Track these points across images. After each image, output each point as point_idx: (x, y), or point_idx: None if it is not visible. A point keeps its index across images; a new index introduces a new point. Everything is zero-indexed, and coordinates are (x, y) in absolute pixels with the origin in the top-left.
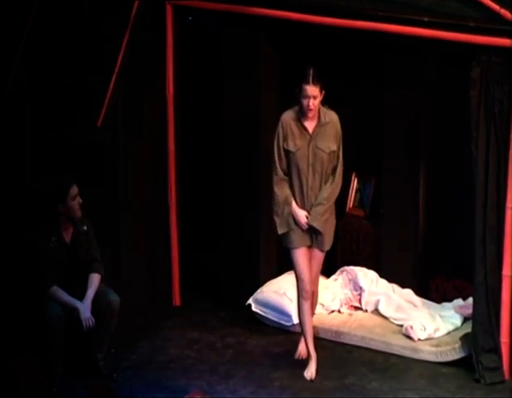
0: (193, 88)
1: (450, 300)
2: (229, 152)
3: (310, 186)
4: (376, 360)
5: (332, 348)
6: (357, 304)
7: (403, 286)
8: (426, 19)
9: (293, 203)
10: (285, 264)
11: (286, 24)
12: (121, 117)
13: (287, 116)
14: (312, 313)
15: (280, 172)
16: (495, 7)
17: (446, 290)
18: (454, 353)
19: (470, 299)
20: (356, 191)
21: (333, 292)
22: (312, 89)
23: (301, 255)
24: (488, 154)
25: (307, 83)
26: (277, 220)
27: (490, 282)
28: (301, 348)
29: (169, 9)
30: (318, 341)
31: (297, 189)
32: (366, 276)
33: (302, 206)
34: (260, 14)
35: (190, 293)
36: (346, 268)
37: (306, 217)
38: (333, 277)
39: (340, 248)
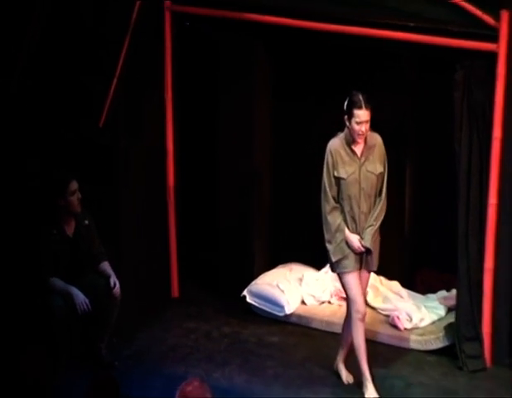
0: (191, 91)
1: (434, 292)
2: (224, 152)
3: (361, 210)
4: None
5: (323, 337)
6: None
7: (389, 278)
8: (411, 24)
9: (346, 230)
10: (277, 258)
11: (278, 29)
12: (122, 118)
13: (335, 144)
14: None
15: (332, 201)
16: (478, 12)
17: (431, 283)
18: (438, 342)
19: (454, 291)
20: None
21: (324, 284)
22: (366, 114)
23: (354, 279)
24: (471, 153)
25: (360, 108)
26: (330, 247)
27: (473, 275)
28: (346, 375)
29: (167, 15)
30: (309, 330)
31: (348, 214)
32: None
33: (354, 231)
34: (253, 20)
35: (187, 285)
36: None
37: (359, 241)
38: (323, 270)
39: None
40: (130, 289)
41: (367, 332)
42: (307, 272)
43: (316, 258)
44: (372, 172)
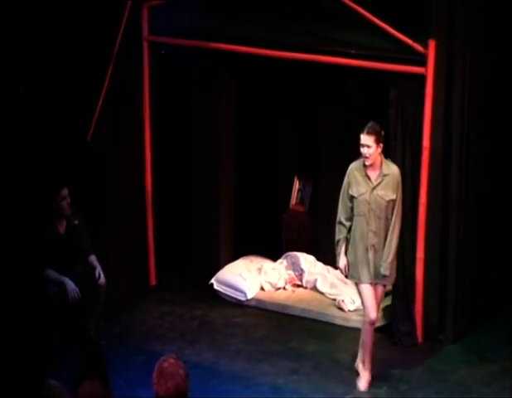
0: (166, 108)
1: None
2: (195, 161)
3: (370, 228)
4: (314, 327)
5: (279, 318)
6: (299, 283)
7: (335, 267)
8: (353, 51)
9: (343, 248)
10: (240, 251)
11: (240, 56)
12: (106, 132)
13: (353, 166)
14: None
15: (340, 216)
16: (409, 41)
17: None
18: (377, 321)
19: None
20: (298, 191)
21: (279, 272)
22: (366, 139)
23: (367, 290)
24: (404, 160)
25: (362, 132)
26: (337, 255)
27: (407, 263)
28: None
29: (145, 44)
30: (267, 312)
31: (358, 230)
32: (306, 259)
33: (363, 244)
34: (218, 48)
35: (163, 274)
36: (290, 253)
37: (344, 267)
38: (279, 260)
39: (284, 237)
40: (114, 278)
41: (317, 314)
42: (265, 263)
43: (272, 251)
44: (382, 197)
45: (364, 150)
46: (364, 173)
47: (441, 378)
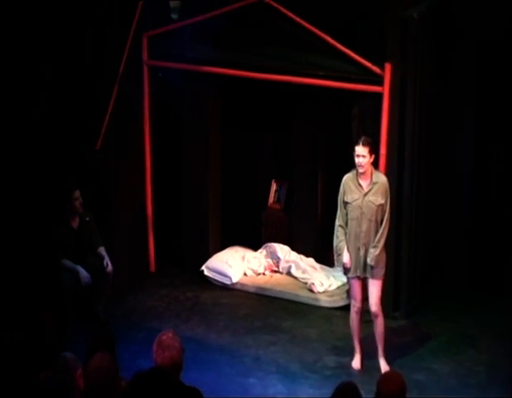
0: (163, 122)
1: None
2: (187, 167)
3: (361, 229)
4: (289, 307)
5: (259, 299)
6: (276, 269)
7: (307, 256)
8: (321, 73)
9: (345, 248)
10: (226, 243)
11: (226, 78)
12: (112, 143)
13: (347, 177)
14: (381, 323)
15: (339, 220)
16: (368, 64)
17: None
18: (342, 301)
19: None
20: (275, 192)
21: (259, 260)
22: (361, 150)
23: (355, 282)
24: None
25: (357, 144)
26: (335, 255)
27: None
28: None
29: (145, 68)
30: (249, 294)
31: (352, 231)
32: (282, 249)
33: (356, 244)
34: (207, 71)
35: (162, 262)
36: (268, 244)
37: (348, 261)
38: (259, 250)
39: (264, 230)
40: (120, 266)
41: (291, 295)
42: (248, 252)
43: (254, 242)
44: (372, 203)
45: (359, 159)
46: (356, 182)
47: (396, 349)
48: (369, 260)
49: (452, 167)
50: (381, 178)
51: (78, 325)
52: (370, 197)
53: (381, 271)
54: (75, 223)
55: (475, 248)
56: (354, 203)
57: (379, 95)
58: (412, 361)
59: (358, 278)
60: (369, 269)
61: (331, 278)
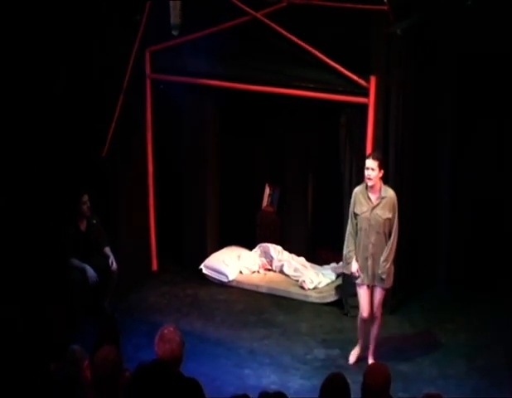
0: (164, 130)
1: (328, 264)
2: (187, 172)
3: (369, 240)
4: (282, 302)
5: (253, 296)
6: (269, 267)
7: (298, 255)
8: (312, 85)
9: (354, 258)
10: (223, 243)
11: (223, 90)
12: (118, 150)
13: (357, 190)
14: (377, 325)
15: (349, 229)
16: (354, 77)
17: (326, 258)
18: (331, 297)
19: (341, 263)
20: (268, 196)
21: (254, 259)
22: (371, 163)
23: (363, 290)
24: (351, 171)
25: (368, 158)
26: (343, 262)
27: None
28: (356, 352)
29: (148, 81)
30: (244, 291)
31: (361, 242)
32: (275, 249)
33: (364, 254)
34: (205, 84)
35: (163, 261)
36: (262, 244)
37: (356, 271)
38: (254, 250)
39: (258, 232)
40: (124, 265)
41: (284, 291)
42: (243, 251)
43: (249, 242)
44: (380, 216)
45: (368, 172)
46: (366, 195)
47: (381, 342)
48: (380, 273)
49: (433, 171)
50: (389, 193)
51: (85, 320)
52: (378, 211)
53: (390, 282)
54: (83, 225)
55: (454, 245)
56: (362, 215)
57: (365, 106)
58: (396, 353)
59: (367, 287)
60: (377, 278)
61: (321, 275)
